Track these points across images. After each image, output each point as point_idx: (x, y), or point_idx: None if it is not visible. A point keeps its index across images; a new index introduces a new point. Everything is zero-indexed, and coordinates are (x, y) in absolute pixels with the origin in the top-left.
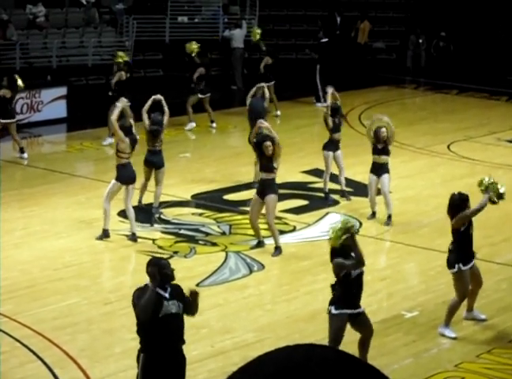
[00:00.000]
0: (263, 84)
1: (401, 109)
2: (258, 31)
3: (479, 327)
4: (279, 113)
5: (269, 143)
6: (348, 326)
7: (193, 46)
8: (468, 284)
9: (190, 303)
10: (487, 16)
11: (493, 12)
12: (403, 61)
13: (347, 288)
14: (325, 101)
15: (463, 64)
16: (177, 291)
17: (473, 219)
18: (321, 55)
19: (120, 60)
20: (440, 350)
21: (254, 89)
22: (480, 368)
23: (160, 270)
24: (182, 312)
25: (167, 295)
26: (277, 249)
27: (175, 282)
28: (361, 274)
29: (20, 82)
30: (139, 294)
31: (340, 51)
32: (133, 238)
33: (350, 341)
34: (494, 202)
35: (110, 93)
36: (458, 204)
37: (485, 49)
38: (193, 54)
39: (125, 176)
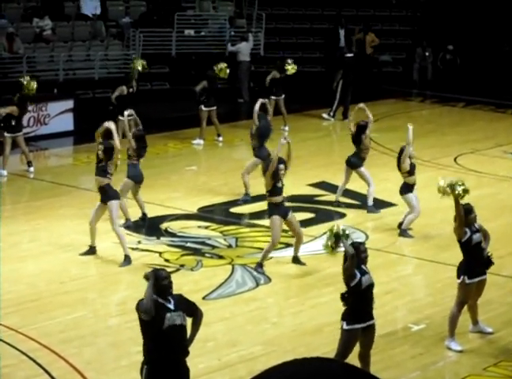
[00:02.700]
0: (266, 100)
1: (408, 122)
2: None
3: (485, 340)
4: (287, 128)
5: (282, 166)
6: None
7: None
8: (468, 297)
9: (194, 308)
10: (494, 29)
11: (499, 25)
12: (409, 74)
13: (357, 300)
14: (333, 116)
15: (469, 77)
16: (180, 302)
17: (481, 232)
18: (345, 70)
19: (137, 66)
20: (447, 363)
21: (258, 105)
22: None
23: (156, 281)
24: (186, 323)
25: (171, 307)
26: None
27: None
28: (371, 285)
29: (33, 85)
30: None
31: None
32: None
33: (353, 355)
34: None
35: (110, 107)
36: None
37: (492, 62)
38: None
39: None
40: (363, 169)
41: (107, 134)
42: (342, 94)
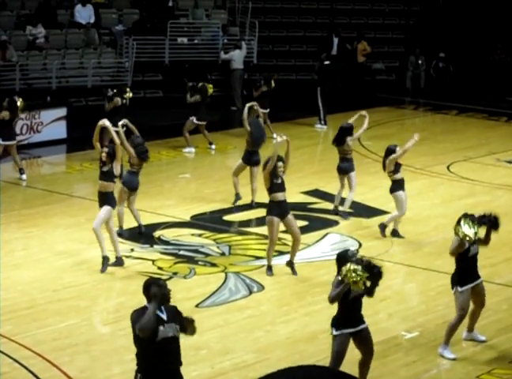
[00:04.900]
0: (254, 102)
1: (401, 129)
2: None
3: (479, 347)
4: (275, 136)
5: (280, 163)
6: (351, 345)
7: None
8: (466, 305)
9: (186, 324)
10: (486, 37)
11: (492, 33)
12: (402, 81)
13: (344, 308)
14: (325, 124)
15: (462, 85)
16: (173, 313)
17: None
18: (322, 77)
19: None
20: (440, 371)
21: (247, 110)
22: None
23: (159, 290)
24: (179, 334)
25: (164, 317)
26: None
27: (170, 303)
28: (360, 295)
29: (19, 103)
30: (138, 314)
31: (338, 72)
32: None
33: (350, 361)
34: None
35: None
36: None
37: (484, 70)
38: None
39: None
40: (353, 173)
41: (103, 136)
42: (323, 101)
